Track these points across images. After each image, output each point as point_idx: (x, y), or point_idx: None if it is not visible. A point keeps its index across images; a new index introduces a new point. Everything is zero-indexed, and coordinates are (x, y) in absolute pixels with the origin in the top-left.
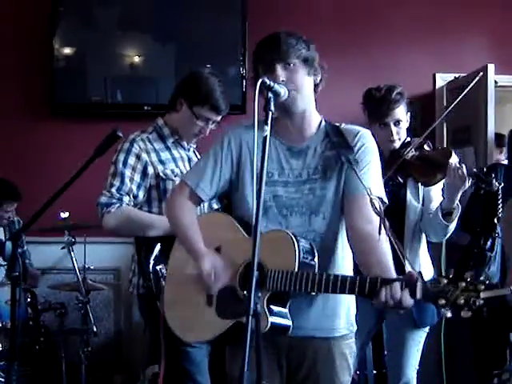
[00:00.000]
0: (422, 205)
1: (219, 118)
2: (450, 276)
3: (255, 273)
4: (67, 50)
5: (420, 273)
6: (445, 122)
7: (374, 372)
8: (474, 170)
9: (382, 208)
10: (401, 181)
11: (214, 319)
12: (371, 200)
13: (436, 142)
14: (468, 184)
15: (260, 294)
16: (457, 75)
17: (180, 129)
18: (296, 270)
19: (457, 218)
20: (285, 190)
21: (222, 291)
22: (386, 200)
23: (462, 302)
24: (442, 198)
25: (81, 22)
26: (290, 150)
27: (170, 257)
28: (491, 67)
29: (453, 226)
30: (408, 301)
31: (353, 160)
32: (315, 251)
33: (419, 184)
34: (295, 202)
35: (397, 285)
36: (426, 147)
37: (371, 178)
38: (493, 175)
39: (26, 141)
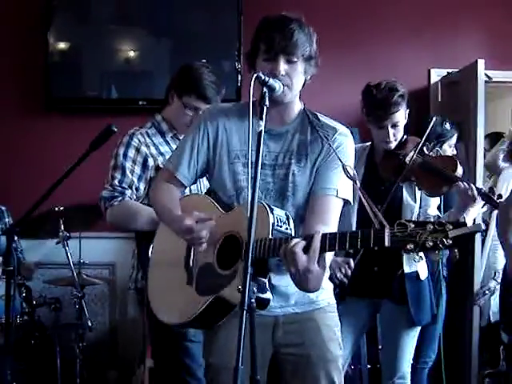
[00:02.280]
0: (420, 207)
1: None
2: (419, 220)
3: (249, 268)
4: (62, 45)
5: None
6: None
7: (369, 366)
8: (483, 189)
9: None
10: (398, 182)
11: (194, 297)
12: (343, 167)
13: None
14: (478, 202)
15: (255, 289)
16: (450, 70)
17: (173, 120)
18: (270, 237)
19: None
20: (261, 173)
21: (201, 268)
22: (352, 202)
23: (431, 244)
24: (438, 202)
25: (76, 17)
26: (268, 133)
27: (153, 245)
28: (481, 62)
29: None
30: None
31: (331, 140)
32: (291, 220)
33: (419, 190)
34: (270, 186)
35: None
36: (425, 150)
37: (341, 178)
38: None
39: (21, 135)
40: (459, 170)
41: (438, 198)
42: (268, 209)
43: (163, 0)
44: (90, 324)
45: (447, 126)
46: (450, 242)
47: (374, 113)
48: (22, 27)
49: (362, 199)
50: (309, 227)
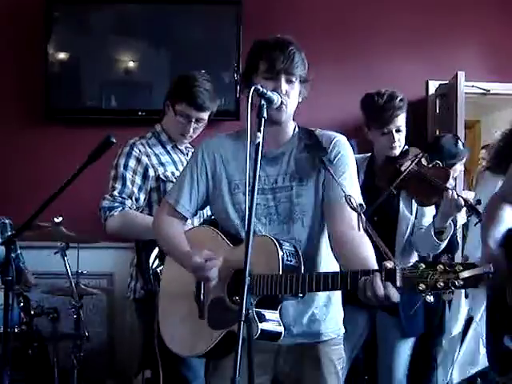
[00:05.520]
0: (415, 217)
1: (201, 115)
2: (429, 260)
3: (247, 279)
4: (62, 56)
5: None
6: (438, 130)
7: (366, 378)
8: (470, 201)
9: (361, 211)
10: (394, 191)
11: (206, 331)
12: (346, 197)
13: None
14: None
15: (252, 300)
16: (444, 82)
17: (168, 130)
18: (280, 273)
19: (448, 237)
20: (262, 198)
21: (212, 302)
22: (364, 205)
23: (442, 284)
24: (434, 213)
25: (75, 28)
26: (264, 157)
27: (163, 273)
28: (461, 75)
29: (444, 244)
30: (392, 292)
31: (327, 161)
32: (300, 253)
33: (410, 198)
34: (273, 210)
35: (377, 276)
36: (423, 161)
37: (348, 185)
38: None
39: (21, 146)
40: (450, 181)
41: (433, 209)
42: (277, 244)
43: (163, 11)
44: (87, 334)
45: (460, 145)
46: (462, 282)
47: (378, 118)
48: (22, 38)
49: (374, 238)
50: (339, 233)
